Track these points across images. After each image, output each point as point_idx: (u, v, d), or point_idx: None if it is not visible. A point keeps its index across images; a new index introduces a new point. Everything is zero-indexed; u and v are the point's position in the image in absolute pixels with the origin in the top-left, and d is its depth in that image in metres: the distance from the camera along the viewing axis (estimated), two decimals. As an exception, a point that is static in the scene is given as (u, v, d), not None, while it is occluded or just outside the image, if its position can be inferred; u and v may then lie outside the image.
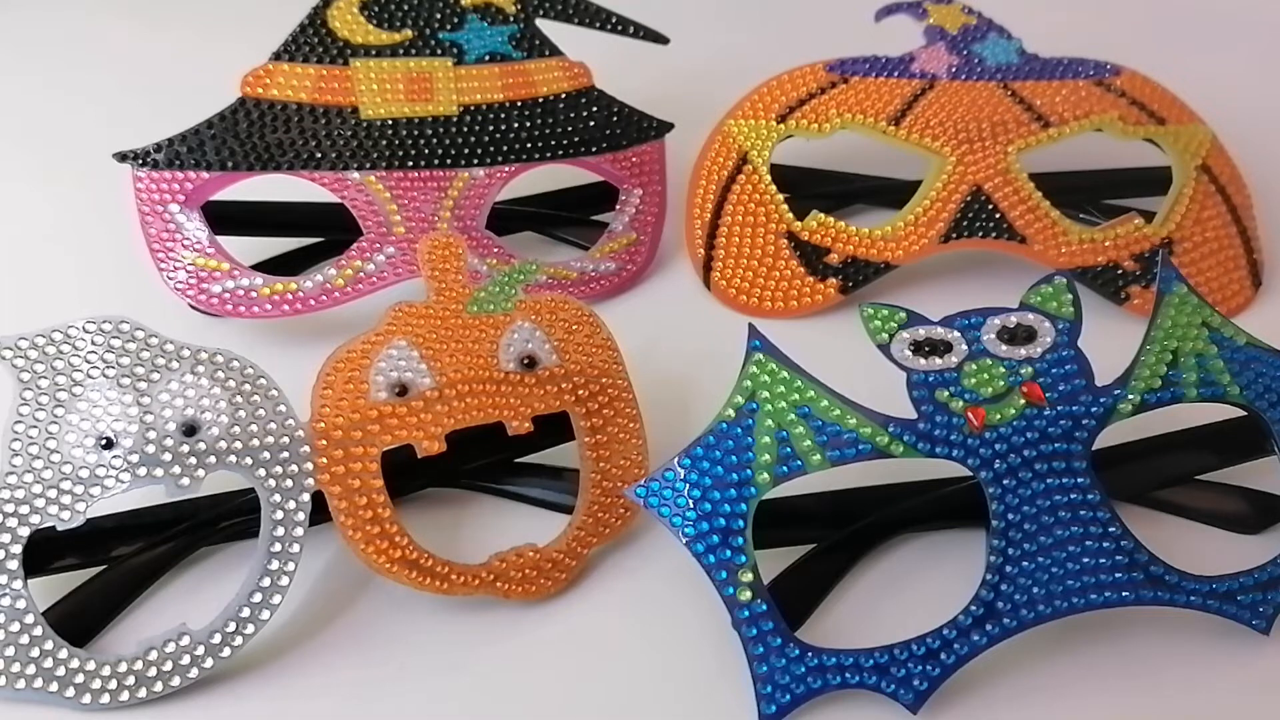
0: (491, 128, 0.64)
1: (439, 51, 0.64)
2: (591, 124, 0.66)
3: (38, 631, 0.44)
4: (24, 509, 0.44)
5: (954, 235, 0.64)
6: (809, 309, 0.65)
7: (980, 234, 0.63)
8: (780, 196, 0.65)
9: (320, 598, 0.50)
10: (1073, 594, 0.44)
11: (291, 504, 0.46)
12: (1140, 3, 0.98)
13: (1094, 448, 0.46)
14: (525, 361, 0.51)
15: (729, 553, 0.44)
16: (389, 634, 0.48)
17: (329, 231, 0.66)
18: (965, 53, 0.67)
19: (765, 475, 0.45)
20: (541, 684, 0.47)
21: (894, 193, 0.68)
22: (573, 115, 0.65)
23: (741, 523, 0.44)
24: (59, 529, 0.44)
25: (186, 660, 0.45)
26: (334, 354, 0.49)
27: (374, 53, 0.63)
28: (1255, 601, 0.46)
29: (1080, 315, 0.48)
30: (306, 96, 0.62)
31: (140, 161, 0.60)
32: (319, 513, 0.47)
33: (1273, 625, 0.46)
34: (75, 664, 0.44)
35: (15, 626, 0.44)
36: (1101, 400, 0.47)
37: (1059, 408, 0.46)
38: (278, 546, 0.46)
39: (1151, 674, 0.46)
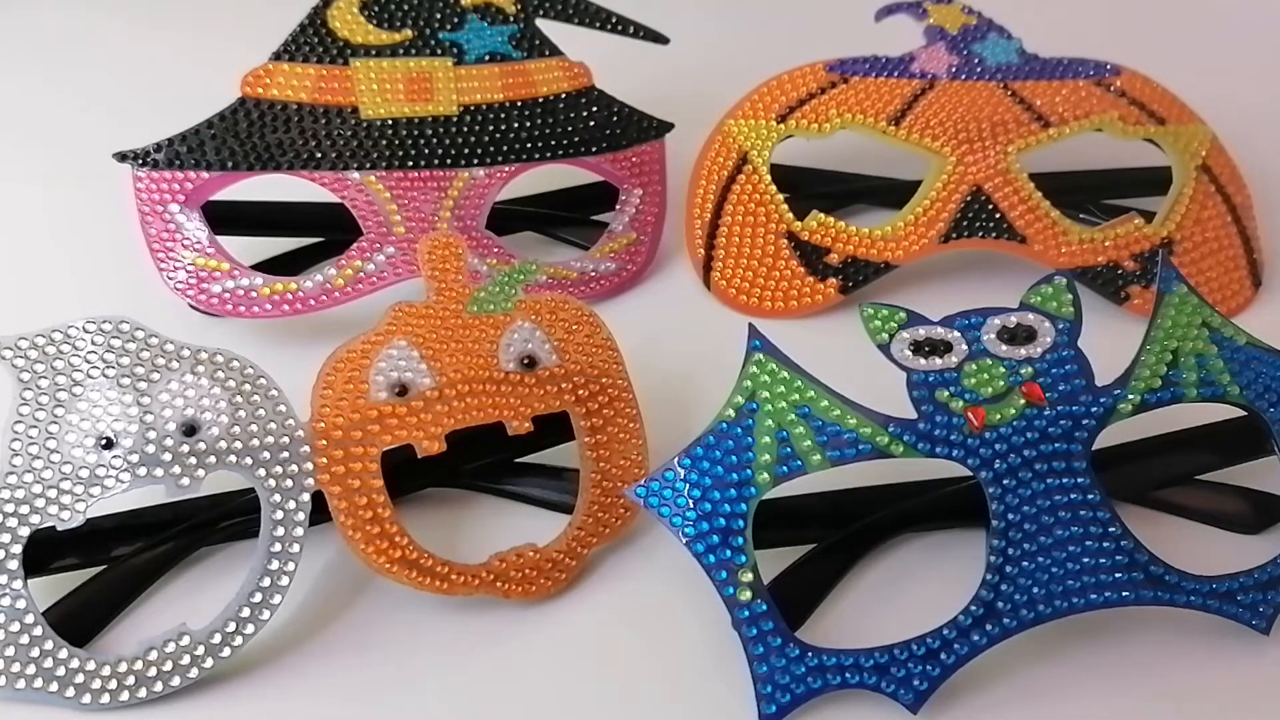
0: (491, 128, 0.64)
1: (439, 51, 0.64)
2: (591, 124, 0.66)
3: (38, 631, 0.44)
4: (24, 509, 0.44)
5: (954, 235, 0.64)
6: (809, 309, 0.65)
7: (980, 234, 0.63)
8: (780, 196, 0.65)
9: (320, 598, 0.50)
10: (1073, 594, 0.44)
11: (291, 504, 0.46)
12: (1140, 3, 0.98)
13: (1094, 448, 0.46)
14: (525, 361, 0.51)
15: (729, 553, 0.44)
16: (389, 634, 0.48)
17: (329, 231, 0.66)
18: (965, 53, 0.67)
19: (765, 475, 0.45)
20: (541, 684, 0.47)
21: (894, 193, 0.68)
22: (573, 115, 0.65)
23: (741, 523, 0.44)
24: (59, 529, 0.44)
25: (186, 660, 0.45)
26: (334, 354, 0.49)
27: (374, 53, 0.63)
28: (1255, 601, 0.46)
29: (1080, 315, 0.48)
30: (306, 96, 0.62)
31: (140, 161, 0.60)
32: (319, 513, 0.47)
33: (1273, 625, 0.46)
34: (75, 664, 0.44)
35: (15, 626, 0.44)
36: (1101, 400, 0.47)
37: (1059, 408, 0.46)
38: (278, 546, 0.46)
39: (1151, 674, 0.46)
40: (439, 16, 0.64)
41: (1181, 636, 0.47)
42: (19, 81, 0.89)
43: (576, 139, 0.65)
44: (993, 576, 0.45)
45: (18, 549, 0.44)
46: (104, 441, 0.45)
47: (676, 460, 0.46)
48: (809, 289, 0.64)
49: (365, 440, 0.47)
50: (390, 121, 0.62)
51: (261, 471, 0.46)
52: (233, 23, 0.93)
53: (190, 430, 0.45)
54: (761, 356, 0.46)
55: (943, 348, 0.47)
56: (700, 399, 0.54)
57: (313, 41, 0.62)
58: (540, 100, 0.65)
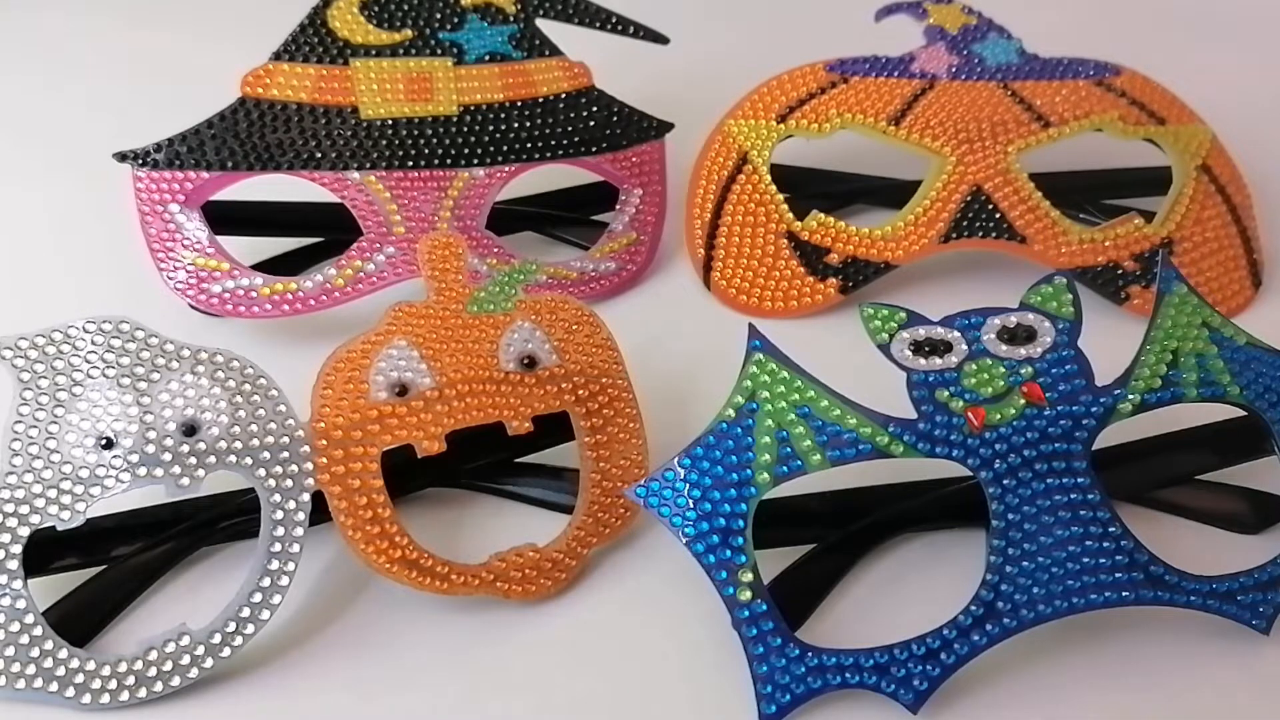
0: (491, 128, 0.64)
1: (439, 51, 0.64)
2: (591, 124, 0.66)
3: (38, 631, 0.44)
4: (24, 509, 0.44)
5: (954, 235, 0.64)
6: (809, 309, 0.65)
7: (980, 234, 0.63)
8: (780, 196, 0.65)
9: (320, 598, 0.50)
10: (1073, 594, 0.44)
11: (291, 504, 0.46)
12: (1140, 2, 0.98)
13: (1094, 448, 0.46)
14: (525, 361, 0.51)
15: (729, 553, 0.44)
16: (389, 634, 0.48)
17: (329, 231, 0.66)
18: (965, 53, 0.67)
19: (765, 475, 0.45)
20: (541, 684, 0.47)
21: (894, 193, 0.68)
22: (573, 115, 0.65)
23: (741, 523, 0.44)
24: (59, 529, 0.44)
25: (186, 660, 0.45)
26: (334, 354, 0.49)
27: (374, 53, 0.63)
28: (1255, 601, 0.46)
29: (1080, 315, 0.48)
30: (306, 96, 0.62)
31: (140, 161, 0.60)
32: (319, 513, 0.47)
33: (1273, 625, 0.46)
34: (75, 664, 0.44)
35: (15, 626, 0.44)
36: (1101, 400, 0.47)
37: (1059, 408, 0.46)
38: (278, 546, 0.46)
39: (1151, 674, 0.46)
40: (439, 16, 0.64)
41: (1181, 636, 0.47)
42: (19, 81, 0.89)
43: (576, 139, 0.65)
44: (993, 576, 0.45)
45: (18, 549, 0.44)
46: (104, 441, 0.45)
47: (676, 460, 0.46)
48: (809, 289, 0.64)
49: (365, 440, 0.47)
50: (390, 121, 0.62)
51: (261, 471, 0.46)
52: (233, 23, 0.93)
53: (190, 430, 0.45)
54: (761, 356, 0.46)
55: (943, 348, 0.47)
56: (700, 399, 0.54)
57: (313, 41, 0.62)
58: (540, 100, 0.65)
